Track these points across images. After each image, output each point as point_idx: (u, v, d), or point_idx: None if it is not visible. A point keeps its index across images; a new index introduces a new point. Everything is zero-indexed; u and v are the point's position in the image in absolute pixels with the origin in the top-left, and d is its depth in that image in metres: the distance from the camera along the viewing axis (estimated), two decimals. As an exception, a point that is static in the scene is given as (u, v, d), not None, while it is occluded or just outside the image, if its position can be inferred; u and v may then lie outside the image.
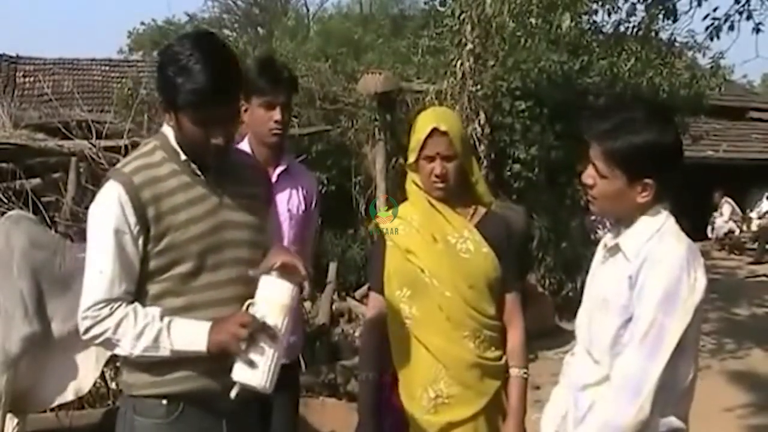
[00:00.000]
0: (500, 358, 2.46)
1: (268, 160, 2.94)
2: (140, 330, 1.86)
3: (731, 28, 6.37)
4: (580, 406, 2.00)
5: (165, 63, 1.87)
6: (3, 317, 3.29)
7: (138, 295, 1.92)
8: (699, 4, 6.34)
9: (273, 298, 1.85)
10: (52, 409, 3.74)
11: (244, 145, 2.97)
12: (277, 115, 2.88)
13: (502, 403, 2.46)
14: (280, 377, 2.91)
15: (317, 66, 9.86)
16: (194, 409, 1.95)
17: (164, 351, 1.87)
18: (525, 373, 2.48)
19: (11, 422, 3.43)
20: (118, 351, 1.92)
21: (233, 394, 1.88)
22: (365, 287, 7.12)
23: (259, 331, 1.83)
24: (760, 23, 6.43)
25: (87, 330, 1.90)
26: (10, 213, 3.75)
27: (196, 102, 1.84)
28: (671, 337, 1.81)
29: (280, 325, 1.85)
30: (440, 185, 2.43)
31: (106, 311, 1.87)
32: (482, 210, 2.52)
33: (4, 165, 5.67)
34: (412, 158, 2.47)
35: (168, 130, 1.99)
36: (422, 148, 2.41)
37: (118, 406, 2.08)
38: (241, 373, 1.85)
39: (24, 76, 15.61)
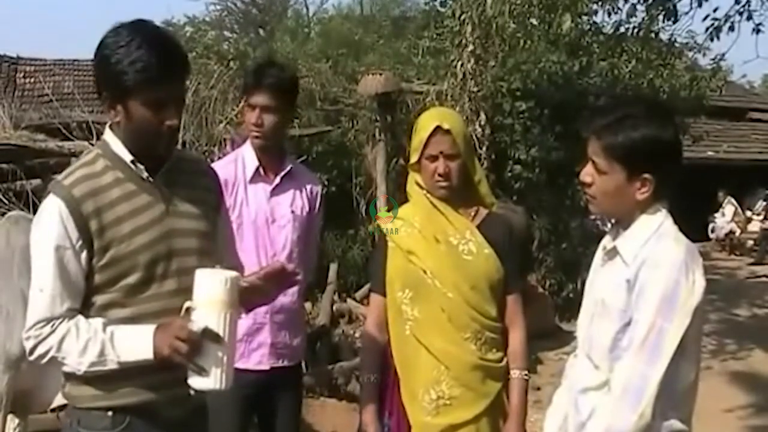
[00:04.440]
0: (501, 360, 2.46)
1: (270, 162, 2.94)
2: (84, 345, 1.81)
3: (731, 28, 6.36)
4: (581, 410, 2.00)
5: (106, 54, 1.80)
6: (4, 318, 3.29)
7: (84, 306, 1.86)
8: (699, 5, 6.34)
9: (208, 297, 1.77)
10: (52, 410, 3.74)
11: (247, 147, 2.97)
12: (253, 117, 2.86)
13: (503, 405, 2.46)
14: (284, 378, 2.94)
15: (318, 67, 9.84)
16: (141, 420, 1.90)
17: (111, 364, 1.81)
18: (526, 374, 2.48)
19: (12, 423, 3.43)
20: (65, 368, 1.87)
21: (192, 393, 1.86)
22: (366, 288, 7.12)
23: (201, 338, 1.75)
24: (760, 24, 6.44)
25: (32, 350, 1.84)
26: (9, 214, 3.75)
27: (146, 80, 1.77)
28: (671, 342, 1.80)
29: (221, 324, 1.76)
30: (443, 184, 2.42)
31: (47, 329, 1.82)
32: (484, 211, 2.52)
33: (4, 166, 5.66)
34: (414, 158, 2.46)
35: (110, 136, 1.92)
36: (425, 147, 2.41)
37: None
38: (195, 381, 1.80)
39: (24, 77, 15.58)
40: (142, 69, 1.78)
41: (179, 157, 1.99)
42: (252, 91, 2.87)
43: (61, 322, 1.82)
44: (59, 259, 1.81)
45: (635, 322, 1.84)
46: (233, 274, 1.81)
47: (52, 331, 1.82)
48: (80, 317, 1.84)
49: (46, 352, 1.83)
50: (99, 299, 1.87)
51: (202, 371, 1.77)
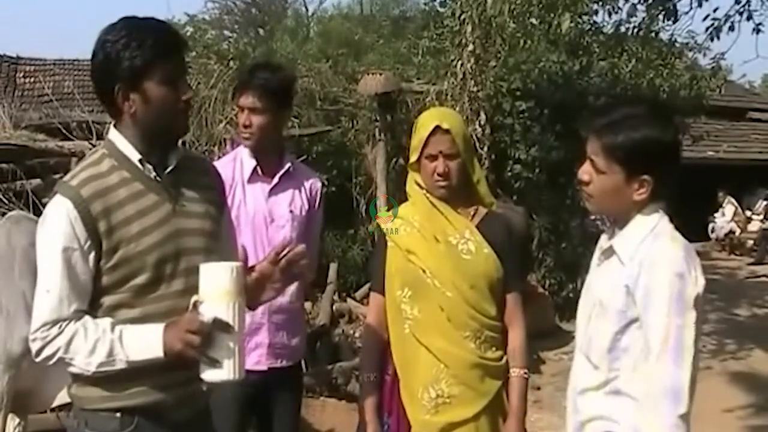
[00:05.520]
0: (501, 359, 2.46)
1: (268, 162, 2.95)
2: (92, 346, 1.79)
3: (731, 28, 6.36)
4: (580, 410, 2.00)
5: (110, 47, 1.81)
6: (5, 317, 3.29)
7: (92, 307, 1.85)
8: (699, 5, 6.34)
9: (215, 288, 1.76)
10: (52, 410, 3.74)
11: (245, 147, 2.97)
12: (242, 118, 2.88)
13: (503, 404, 2.46)
14: (283, 378, 2.94)
15: (318, 67, 9.83)
16: (148, 422, 1.89)
17: (120, 363, 1.80)
18: (525, 373, 2.48)
19: (12, 422, 3.43)
20: (73, 370, 1.84)
21: (204, 387, 1.86)
22: (366, 288, 7.12)
23: (211, 329, 1.74)
24: (760, 23, 6.44)
25: (38, 352, 1.82)
26: (10, 213, 3.75)
27: (159, 54, 1.80)
28: (689, 336, 1.80)
29: (230, 313, 1.75)
30: (443, 184, 2.43)
31: (54, 330, 1.80)
32: (483, 210, 2.53)
33: (4, 166, 5.65)
34: (414, 157, 2.47)
35: (116, 136, 1.91)
36: (424, 146, 2.42)
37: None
38: (208, 374, 1.79)
39: (24, 77, 15.60)
40: (153, 44, 1.81)
41: (185, 156, 1.99)
42: (241, 92, 2.89)
43: (68, 324, 1.81)
44: (67, 261, 1.80)
45: (648, 326, 1.83)
46: (237, 263, 1.81)
47: (60, 333, 1.80)
48: (88, 318, 1.83)
49: (54, 354, 1.81)
50: (107, 300, 1.86)
51: (215, 363, 1.77)
